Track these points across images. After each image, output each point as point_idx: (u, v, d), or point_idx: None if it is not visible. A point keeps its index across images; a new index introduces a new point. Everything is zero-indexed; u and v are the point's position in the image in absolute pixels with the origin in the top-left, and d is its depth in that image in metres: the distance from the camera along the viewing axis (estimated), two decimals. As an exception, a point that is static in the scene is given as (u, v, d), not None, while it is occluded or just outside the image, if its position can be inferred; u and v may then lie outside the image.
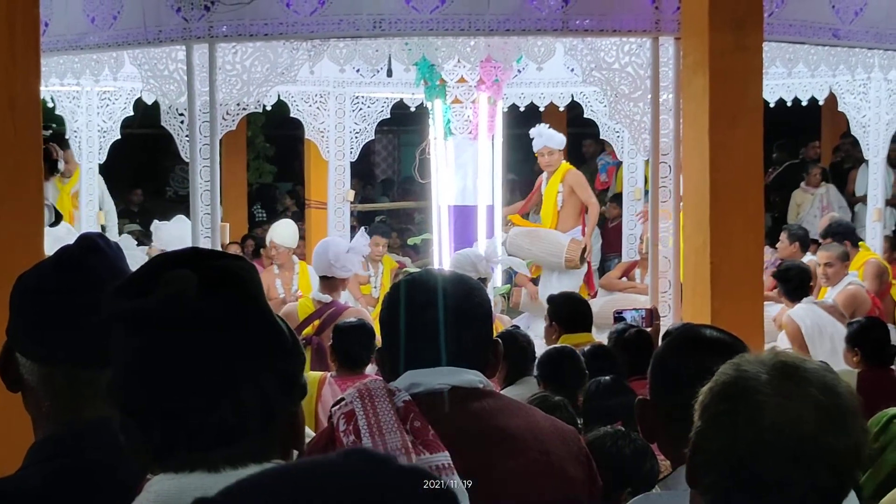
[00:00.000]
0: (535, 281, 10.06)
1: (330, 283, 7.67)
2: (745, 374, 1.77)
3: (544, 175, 10.34)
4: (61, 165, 5.84)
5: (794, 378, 1.76)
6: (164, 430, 1.57)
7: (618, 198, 13.20)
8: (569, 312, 6.76)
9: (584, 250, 9.67)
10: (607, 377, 5.03)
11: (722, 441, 1.75)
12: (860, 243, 9.67)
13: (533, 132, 10.25)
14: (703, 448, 1.78)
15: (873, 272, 9.12)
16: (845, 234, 9.53)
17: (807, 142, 15.65)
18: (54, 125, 7.22)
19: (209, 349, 1.57)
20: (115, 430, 1.62)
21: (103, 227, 10.75)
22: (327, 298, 7.54)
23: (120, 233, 13.51)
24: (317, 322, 7.45)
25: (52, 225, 5.66)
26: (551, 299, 7.05)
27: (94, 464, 1.89)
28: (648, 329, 6.61)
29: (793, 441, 1.71)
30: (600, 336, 7.45)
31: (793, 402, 1.73)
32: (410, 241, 11.86)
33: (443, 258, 9.17)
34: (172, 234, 8.98)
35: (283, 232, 10.27)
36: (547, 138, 10.11)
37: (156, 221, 9.92)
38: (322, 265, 7.68)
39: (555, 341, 6.51)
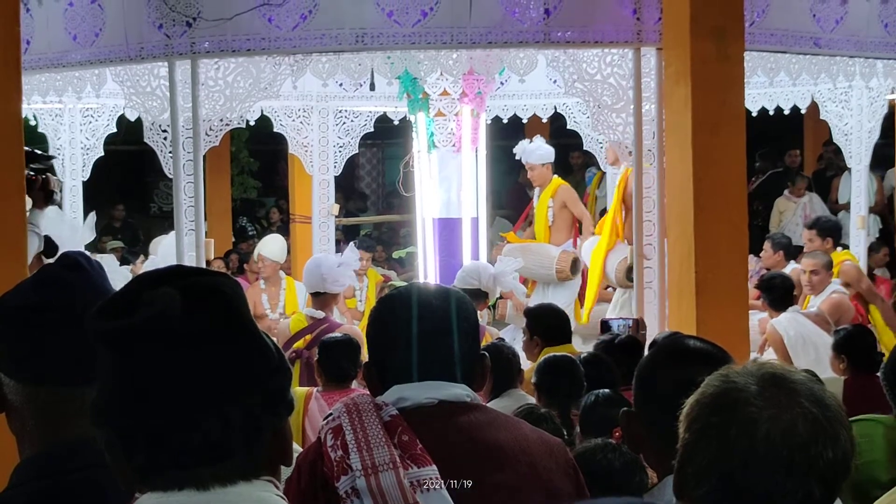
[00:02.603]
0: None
1: (322, 299, 7.67)
2: (735, 386, 1.77)
3: (536, 191, 10.36)
4: (58, 197, 5.85)
5: (784, 389, 1.76)
6: (148, 449, 1.56)
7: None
8: (548, 325, 6.74)
9: (574, 262, 9.68)
10: (605, 390, 5.02)
11: (713, 453, 1.74)
12: (842, 249, 9.59)
13: (516, 148, 10.28)
14: (693, 460, 1.77)
15: (856, 275, 9.02)
16: (830, 231, 9.43)
17: (789, 150, 15.68)
18: (55, 156, 7.22)
19: (194, 367, 1.56)
20: (101, 448, 1.61)
21: (86, 245, 10.72)
22: (320, 314, 7.56)
23: (103, 250, 13.50)
24: (308, 337, 7.45)
25: (48, 255, 5.67)
26: (529, 313, 7.02)
27: (79, 483, 1.88)
28: (634, 339, 6.61)
29: (786, 452, 1.71)
30: (586, 347, 7.45)
31: (785, 413, 1.73)
32: (395, 255, 11.87)
33: (428, 271, 9.16)
34: (169, 248, 8.98)
35: (271, 246, 10.27)
36: (527, 154, 10.14)
37: (157, 238, 9.91)
38: (314, 281, 7.68)
39: (536, 355, 6.50)
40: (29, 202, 5.76)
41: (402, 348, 2.58)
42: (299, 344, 7.39)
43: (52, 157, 6.04)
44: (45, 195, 5.68)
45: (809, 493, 1.72)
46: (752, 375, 1.78)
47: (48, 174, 5.69)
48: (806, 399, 1.74)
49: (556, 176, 10.32)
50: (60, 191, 5.88)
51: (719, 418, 1.75)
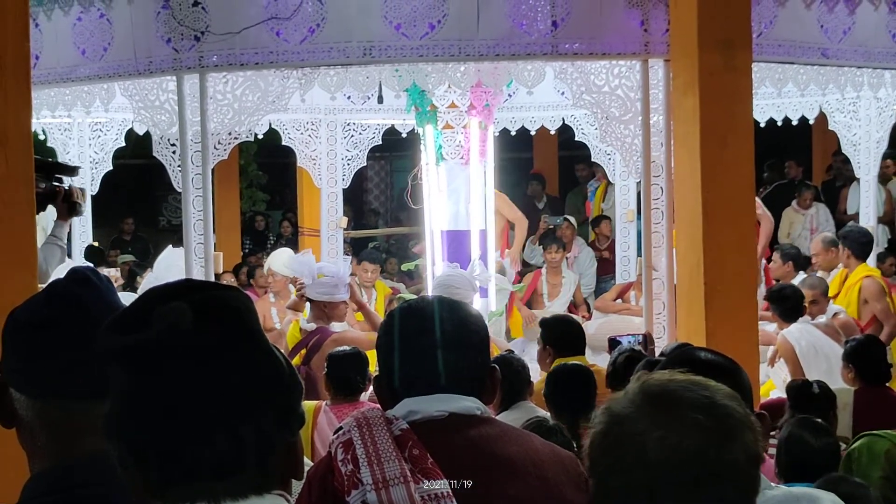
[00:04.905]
0: None
1: (319, 310, 7.65)
2: (617, 418, 1.74)
3: None
4: (81, 209, 5.86)
5: (665, 405, 1.73)
6: (161, 464, 1.56)
7: (598, 220, 13.21)
8: (562, 335, 6.75)
9: (499, 271, 9.50)
10: None
11: (618, 489, 1.72)
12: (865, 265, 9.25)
13: None
14: (605, 501, 1.75)
15: (876, 294, 8.88)
16: (850, 241, 9.17)
17: (787, 161, 15.61)
18: (80, 166, 7.23)
19: (205, 381, 1.56)
20: (111, 463, 1.61)
21: (96, 259, 10.75)
22: (311, 327, 7.53)
23: (113, 264, 13.51)
24: (303, 351, 7.43)
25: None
26: (544, 323, 7.04)
27: (90, 498, 1.88)
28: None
29: (685, 467, 1.68)
30: (595, 359, 7.45)
31: (671, 430, 1.69)
32: (404, 267, 11.85)
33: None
34: (166, 263, 8.95)
35: (280, 260, 10.25)
36: None
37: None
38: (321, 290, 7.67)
39: (549, 365, 6.50)
40: (53, 213, 5.78)
41: (411, 361, 2.58)
42: (296, 360, 7.35)
43: (77, 168, 6.04)
44: (69, 207, 5.69)
45: (725, 499, 1.70)
46: (632, 402, 1.75)
47: (72, 185, 5.68)
48: (690, 408, 1.71)
49: None
50: (84, 201, 5.87)
51: (612, 458, 1.73)
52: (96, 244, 10.49)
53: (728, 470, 1.69)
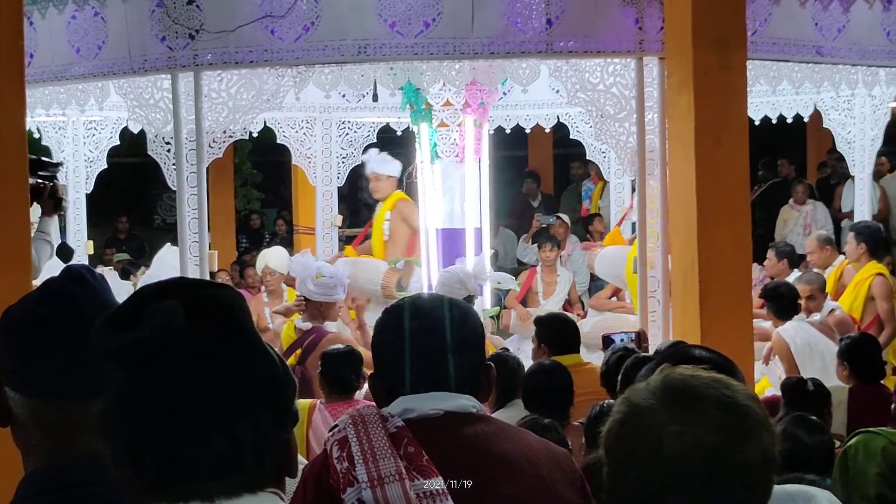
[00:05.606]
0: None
1: (315, 310, 7.65)
2: (637, 409, 1.75)
3: (378, 204, 10.02)
4: (66, 204, 5.88)
5: (685, 400, 1.73)
6: (158, 464, 1.56)
7: (591, 217, 13.21)
8: (556, 334, 6.75)
9: (400, 280, 9.42)
10: (611, 400, 4.99)
11: (631, 482, 1.73)
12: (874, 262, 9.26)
13: (364, 156, 10.05)
14: (619, 490, 1.76)
15: (885, 293, 8.88)
16: (866, 236, 9.18)
17: (791, 160, 15.63)
18: (62, 162, 7.25)
19: (201, 380, 1.55)
20: (106, 462, 1.61)
21: (91, 258, 10.74)
22: (307, 326, 7.54)
23: (109, 262, 13.49)
24: (299, 351, 7.44)
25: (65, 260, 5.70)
26: (539, 321, 7.05)
27: (87, 498, 1.88)
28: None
29: (699, 465, 1.69)
30: (589, 357, 7.45)
31: (689, 426, 1.70)
32: (390, 263, 11.84)
33: (431, 282, 9.14)
34: (163, 261, 8.95)
35: (277, 257, 10.24)
36: (375, 163, 9.89)
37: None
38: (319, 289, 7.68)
39: (544, 363, 6.50)
40: (38, 210, 5.79)
41: (407, 360, 2.58)
42: (291, 360, 7.35)
43: (59, 164, 6.05)
44: (55, 203, 5.70)
45: (734, 499, 1.70)
46: (654, 394, 1.75)
47: (55, 181, 5.70)
48: (712, 406, 1.72)
49: (398, 190, 9.93)
50: (66, 197, 5.89)
51: (628, 448, 1.74)
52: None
53: (739, 469, 1.70)
